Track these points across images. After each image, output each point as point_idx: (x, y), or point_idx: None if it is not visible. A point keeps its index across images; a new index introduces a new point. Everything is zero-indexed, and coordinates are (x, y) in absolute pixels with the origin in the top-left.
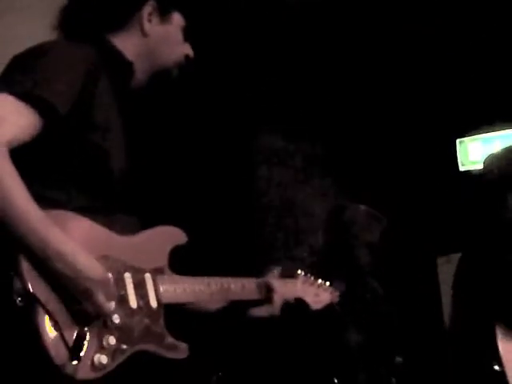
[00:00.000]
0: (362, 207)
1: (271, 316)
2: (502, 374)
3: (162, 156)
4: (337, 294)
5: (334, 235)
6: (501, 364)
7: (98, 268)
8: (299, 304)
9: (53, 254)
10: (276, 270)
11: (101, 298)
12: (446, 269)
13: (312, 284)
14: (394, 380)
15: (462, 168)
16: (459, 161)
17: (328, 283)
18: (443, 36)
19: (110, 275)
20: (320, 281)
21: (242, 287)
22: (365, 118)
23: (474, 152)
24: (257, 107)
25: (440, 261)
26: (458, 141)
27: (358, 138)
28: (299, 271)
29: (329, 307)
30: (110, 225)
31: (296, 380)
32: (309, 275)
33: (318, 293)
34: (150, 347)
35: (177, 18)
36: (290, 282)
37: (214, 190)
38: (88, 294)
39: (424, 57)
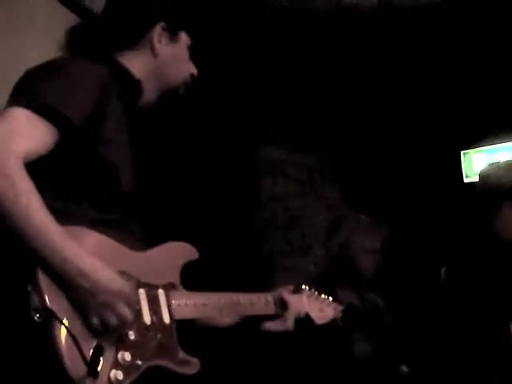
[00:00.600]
0: (362, 216)
1: (285, 331)
2: None
3: (168, 171)
4: (339, 309)
5: (335, 246)
6: None
7: (119, 280)
8: (307, 319)
9: (73, 269)
10: (288, 286)
11: (122, 309)
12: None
13: (316, 299)
14: None
15: (466, 180)
16: (464, 172)
17: (331, 298)
18: (448, 48)
19: (128, 288)
20: (323, 296)
21: (252, 302)
22: (370, 130)
23: (479, 164)
24: (261, 119)
25: (444, 272)
26: (462, 152)
27: (362, 150)
28: (304, 286)
29: (332, 322)
30: (121, 239)
31: None
32: (313, 290)
33: (322, 308)
34: (164, 363)
35: (184, 38)
36: (297, 297)
37: (219, 203)
38: (109, 307)
39: (429, 69)
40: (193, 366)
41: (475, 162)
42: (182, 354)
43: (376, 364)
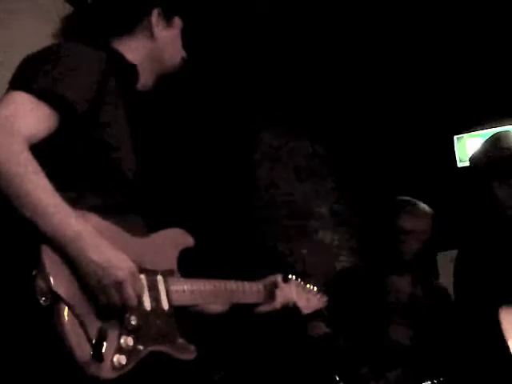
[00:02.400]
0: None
1: (273, 311)
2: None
3: (166, 157)
4: (325, 299)
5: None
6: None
7: (129, 261)
8: (295, 309)
9: (87, 245)
10: (277, 275)
11: (130, 289)
12: (446, 265)
13: (303, 289)
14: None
15: (459, 164)
16: (457, 157)
17: (316, 288)
18: (441, 32)
19: (136, 269)
20: (309, 286)
21: (244, 290)
22: (364, 117)
23: (472, 148)
24: (258, 107)
25: (439, 257)
26: (455, 137)
27: (357, 137)
28: (291, 276)
29: (318, 312)
30: (121, 225)
31: (297, 379)
32: (299, 280)
33: (308, 298)
34: (163, 348)
35: (178, 22)
36: (286, 287)
37: (216, 190)
38: (119, 285)
39: (422, 55)
40: (191, 352)
41: (469, 147)
42: (180, 340)
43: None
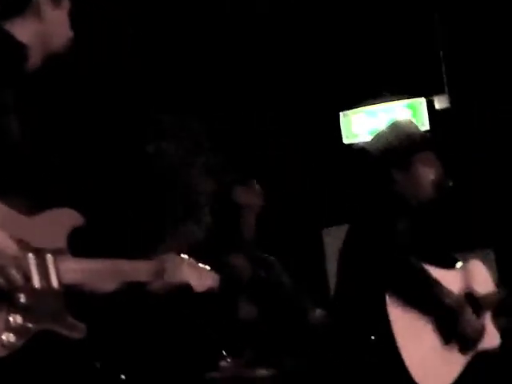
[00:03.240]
0: (248, 184)
1: (164, 289)
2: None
3: (55, 135)
4: (217, 277)
5: (223, 212)
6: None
7: (12, 244)
8: (186, 287)
9: None
10: (170, 254)
11: (12, 271)
12: (331, 241)
13: (195, 268)
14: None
15: (345, 141)
16: (343, 134)
17: (209, 267)
18: (326, 9)
19: (18, 251)
20: (202, 265)
21: (135, 269)
22: (251, 94)
23: (358, 125)
24: (147, 83)
25: (325, 233)
26: (341, 114)
27: (245, 114)
28: (183, 254)
29: (210, 290)
30: (9, 204)
31: (186, 355)
32: (192, 260)
33: (201, 276)
34: (53, 326)
35: (66, 3)
36: (178, 265)
37: (106, 168)
38: (1, 269)
39: (308, 32)
40: (80, 331)
41: (354, 123)
42: (70, 319)
43: (260, 327)
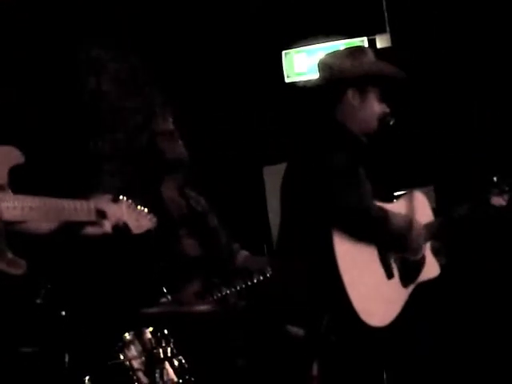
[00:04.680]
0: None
1: (103, 235)
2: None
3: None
4: (155, 219)
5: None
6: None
7: None
8: (125, 228)
9: None
10: (108, 195)
11: None
12: (272, 179)
13: (134, 210)
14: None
15: (287, 80)
16: (285, 72)
17: (146, 210)
18: None
19: None
20: (139, 207)
21: (74, 208)
22: (194, 32)
23: (300, 64)
24: (81, 17)
25: (266, 171)
26: (283, 52)
27: (187, 51)
28: (121, 196)
29: (147, 232)
30: None
31: (127, 292)
32: (130, 201)
33: (138, 218)
34: None
35: None
36: (116, 206)
37: (42, 104)
38: None
39: None
40: (20, 267)
41: (296, 62)
42: (10, 255)
43: (202, 264)
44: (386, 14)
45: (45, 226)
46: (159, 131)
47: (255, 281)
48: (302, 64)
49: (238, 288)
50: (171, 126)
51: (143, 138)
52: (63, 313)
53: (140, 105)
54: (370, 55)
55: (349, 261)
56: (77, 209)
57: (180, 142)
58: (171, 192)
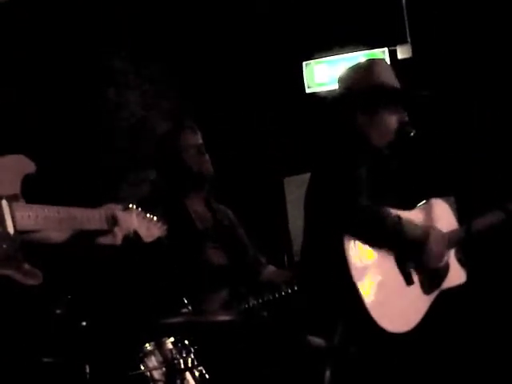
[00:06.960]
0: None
1: (114, 244)
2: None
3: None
4: (165, 228)
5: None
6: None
7: None
8: (136, 236)
9: None
10: (121, 204)
11: None
12: (293, 189)
13: (144, 218)
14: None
15: (308, 90)
16: (305, 83)
17: (156, 218)
18: None
19: None
20: (149, 215)
21: (87, 217)
22: (213, 41)
23: (320, 74)
24: (104, 29)
25: (286, 182)
26: (304, 63)
27: (206, 63)
28: (132, 205)
29: (158, 240)
30: None
31: (146, 302)
32: (140, 209)
33: (149, 227)
34: (9, 273)
35: None
36: (127, 215)
37: (61, 114)
38: None
39: None
40: (37, 278)
41: (317, 73)
42: (26, 266)
43: (229, 274)
44: (407, 25)
45: (58, 235)
46: (187, 145)
47: (283, 293)
48: (323, 74)
49: (266, 299)
50: (200, 141)
51: (169, 150)
52: (84, 323)
53: (166, 115)
54: (379, 68)
55: (362, 269)
56: (89, 217)
57: (207, 157)
58: (197, 205)
